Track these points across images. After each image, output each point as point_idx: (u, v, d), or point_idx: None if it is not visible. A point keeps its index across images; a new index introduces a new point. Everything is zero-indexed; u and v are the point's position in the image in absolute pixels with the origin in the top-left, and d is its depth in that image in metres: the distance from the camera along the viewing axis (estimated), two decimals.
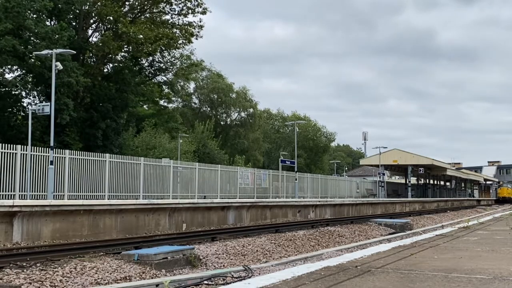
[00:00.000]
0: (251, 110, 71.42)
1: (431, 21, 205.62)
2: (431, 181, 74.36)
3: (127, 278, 10.06)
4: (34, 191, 20.57)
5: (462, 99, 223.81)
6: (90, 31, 37.71)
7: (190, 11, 37.49)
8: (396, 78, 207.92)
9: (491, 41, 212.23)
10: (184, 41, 38.23)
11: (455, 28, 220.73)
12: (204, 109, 71.17)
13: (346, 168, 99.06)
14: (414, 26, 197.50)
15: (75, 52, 27.28)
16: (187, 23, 37.96)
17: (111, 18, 35.31)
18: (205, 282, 9.55)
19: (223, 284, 8.71)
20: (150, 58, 39.37)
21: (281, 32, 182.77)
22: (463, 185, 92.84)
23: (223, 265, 12.60)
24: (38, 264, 10.44)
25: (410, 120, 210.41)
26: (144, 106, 57.48)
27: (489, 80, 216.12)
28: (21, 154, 20.23)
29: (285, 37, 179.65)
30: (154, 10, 37.88)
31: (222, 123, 70.28)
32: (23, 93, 33.54)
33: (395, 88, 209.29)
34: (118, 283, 9.60)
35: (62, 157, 21.93)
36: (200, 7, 37.40)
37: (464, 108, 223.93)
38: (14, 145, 20.35)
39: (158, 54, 39.13)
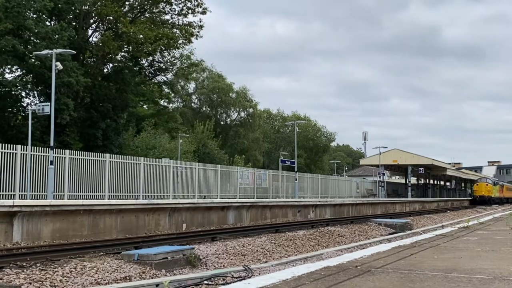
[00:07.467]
0: (251, 110, 71.42)
1: (436, 17, 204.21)
2: (431, 181, 74.32)
3: (127, 278, 10.06)
4: (34, 191, 20.57)
5: (466, 98, 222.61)
6: (90, 31, 37.70)
7: (190, 11, 37.50)
8: (399, 76, 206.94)
9: (498, 38, 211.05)
10: (184, 41, 38.24)
11: (461, 25, 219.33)
12: (204, 109, 71.13)
13: (346, 168, 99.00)
14: (419, 22, 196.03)
15: (75, 52, 27.27)
16: (187, 23, 37.97)
17: (111, 18, 35.29)
18: (205, 282, 9.55)
19: (223, 284, 8.71)
20: (150, 58, 39.35)
21: (282, 29, 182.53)
22: (463, 185, 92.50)
23: (223, 265, 12.60)
24: (38, 264, 10.44)
25: (412, 119, 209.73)
26: (144, 106, 57.46)
27: (494, 78, 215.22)
28: (21, 154, 20.23)
29: (286, 34, 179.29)
30: (154, 10, 37.87)
31: (222, 123, 70.22)
32: (23, 93, 33.53)
33: (397, 86, 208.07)
34: (118, 283, 9.60)
35: (62, 157, 21.93)
36: (200, 7, 37.43)
37: (467, 107, 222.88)
38: (14, 145, 20.34)
39: (158, 54, 39.11)
